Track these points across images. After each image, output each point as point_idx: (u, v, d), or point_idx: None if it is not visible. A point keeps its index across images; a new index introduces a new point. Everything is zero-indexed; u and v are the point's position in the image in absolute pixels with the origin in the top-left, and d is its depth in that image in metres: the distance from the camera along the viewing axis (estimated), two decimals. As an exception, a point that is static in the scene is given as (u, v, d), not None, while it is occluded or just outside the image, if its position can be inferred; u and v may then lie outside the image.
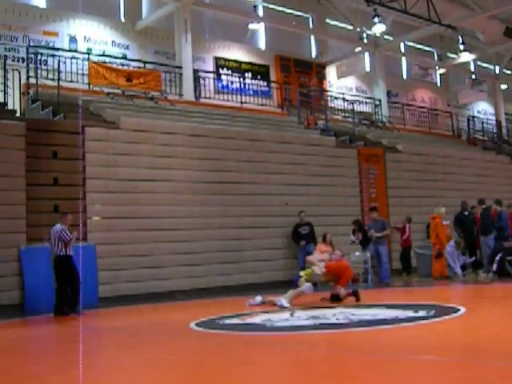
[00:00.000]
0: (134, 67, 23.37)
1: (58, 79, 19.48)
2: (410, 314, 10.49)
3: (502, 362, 6.30)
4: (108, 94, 21.59)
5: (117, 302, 14.78)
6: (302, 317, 10.90)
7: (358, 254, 19.33)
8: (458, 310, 10.63)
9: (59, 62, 20.27)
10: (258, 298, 13.63)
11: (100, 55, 23.43)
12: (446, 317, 9.91)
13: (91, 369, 7.14)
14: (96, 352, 8.90)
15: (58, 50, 22.06)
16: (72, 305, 13.64)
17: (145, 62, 23.82)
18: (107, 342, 10.14)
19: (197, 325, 10.56)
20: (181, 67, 23.93)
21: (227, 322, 10.99)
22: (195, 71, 24.66)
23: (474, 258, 20.34)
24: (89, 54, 22.80)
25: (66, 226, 14.04)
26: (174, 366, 7.23)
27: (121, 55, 24.18)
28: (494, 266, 18.19)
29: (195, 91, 24.36)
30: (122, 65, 23.27)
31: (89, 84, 21.47)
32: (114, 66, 22.76)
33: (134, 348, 9.01)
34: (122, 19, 25.15)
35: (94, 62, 22.06)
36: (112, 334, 10.97)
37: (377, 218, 19.52)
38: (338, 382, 5.97)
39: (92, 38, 23.99)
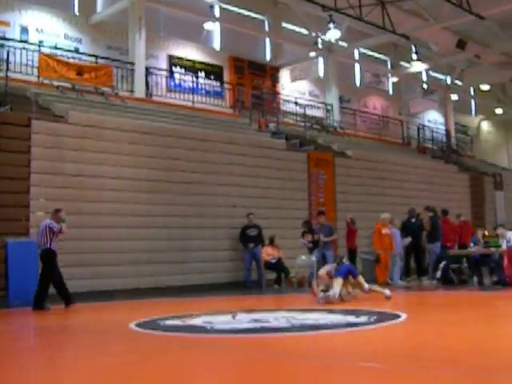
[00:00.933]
0: (85, 61, 23.16)
1: (7, 70, 19.16)
2: (352, 319, 10.47)
3: (439, 369, 6.28)
4: (57, 87, 21.31)
5: (58, 300, 14.53)
6: (243, 320, 10.80)
7: (303, 257, 19.29)
8: (399, 316, 10.65)
9: (8, 52, 19.95)
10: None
11: (52, 48, 23.03)
12: (387, 323, 9.91)
13: (21, 369, 7.00)
14: (28, 351, 8.68)
15: (8, 40, 21.69)
16: (66, 298, 14.28)
17: (97, 57, 23.59)
18: (41, 341, 9.93)
19: (137, 325, 10.39)
20: (133, 63, 23.73)
21: (168, 323, 10.85)
22: (148, 68, 24.47)
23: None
24: (40, 45, 22.46)
25: (56, 222, 14.20)
26: (109, 367, 7.10)
27: (73, 49, 23.82)
28: (438, 274, 18.39)
29: (147, 88, 24.17)
30: (74, 58, 23.01)
31: (38, 76, 21.18)
32: (66, 59, 22.50)
33: (69, 348, 8.85)
34: (76, 12, 24.80)
35: (45, 55, 21.80)
36: (47, 333, 10.75)
37: (324, 223, 19.51)
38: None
39: (44, 29, 23.54)
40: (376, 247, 19.52)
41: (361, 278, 13.83)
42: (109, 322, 11.76)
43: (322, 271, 14.07)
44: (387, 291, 13.80)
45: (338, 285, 13.30)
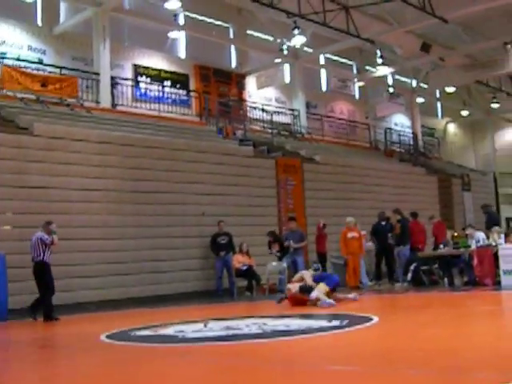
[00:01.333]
0: (49, 72, 22.96)
1: (-31, 83, 18.99)
2: (324, 323, 10.51)
3: (410, 370, 6.31)
4: (21, 99, 21.13)
5: (28, 313, 14.40)
6: (214, 328, 10.75)
7: (274, 263, 19.29)
8: (371, 319, 10.67)
9: (-30, 64, 19.78)
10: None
11: (15, 59, 22.76)
12: (359, 326, 9.91)
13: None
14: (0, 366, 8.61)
15: (-30, 52, 21.49)
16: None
17: (61, 68, 23.39)
18: (12, 355, 9.80)
19: (107, 337, 10.32)
20: (98, 74, 23.59)
21: (139, 333, 10.78)
22: (113, 78, 24.34)
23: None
24: (3, 57, 22.23)
25: (47, 234, 14.38)
26: (79, 379, 7.02)
27: (37, 60, 23.56)
28: (409, 276, 18.50)
29: (112, 99, 24.03)
30: (38, 70, 22.81)
31: (2, 88, 20.98)
32: (30, 70, 22.30)
33: (40, 361, 8.75)
34: (39, 23, 24.56)
35: (9, 66, 21.58)
36: (19, 346, 10.63)
37: (295, 229, 19.46)
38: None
39: (7, 41, 23.19)
40: (343, 252, 19.62)
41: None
42: (79, 334, 11.65)
43: (308, 276, 14.18)
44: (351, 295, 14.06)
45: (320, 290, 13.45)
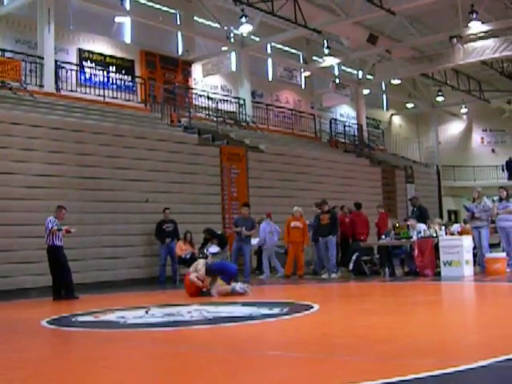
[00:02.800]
0: (-8, 55, 22.62)
1: None
2: (265, 311, 10.59)
3: (349, 356, 6.44)
4: (-37, 82, 20.79)
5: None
6: (156, 314, 10.80)
7: (215, 250, 19.22)
8: (312, 307, 10.80)
9: None
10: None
11: (-44, 42, 22.44)
12: (300, 314, 10.06)
13: None
14: None
15: None
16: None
17: (4, 51, 23.02)
18: None
19: (48, 322, 10.29)
20: (42, 58, 23.26)
21: (80, 319, 10.77)
22: (57, 62, 24.03)
23: None
24: None
25: (59, 219, 15.08)
26: (18, 364, 6.97)
27: (-21, 42, 23.25)
28: (351, 265, 18.70)
29: (56, 83, 23.73)
30: (-20, 52, 22.47)
31: None
32: (-29, 53, 21.95)
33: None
34: (-19, 4, 24.20)
35: (-51, 49, 21.21)
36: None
37: (246, 216, 19.26)
38: (184, 378, 5.92)
39: None
40: (284, 240, 19.74)
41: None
42: (19, 319, 11.56)
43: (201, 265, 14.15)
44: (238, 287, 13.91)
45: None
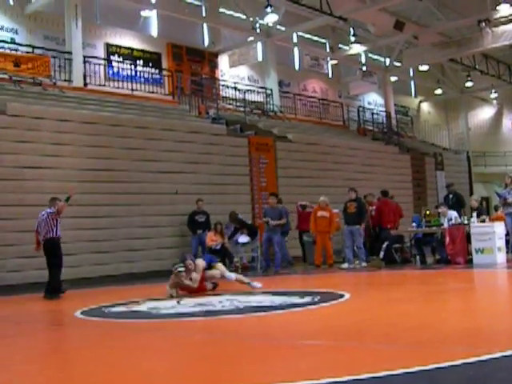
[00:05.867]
0: (22, 52, 22.79)
1: None
2: (296, 300, 10.62)
3: (381, 344, 6.46)
4: (-5, 79, 21.02)
5: (1, 291, 14.43)
6: (188, 304, 10.90)
7: (245, 240, 19.27)
8: (343, 296, 10.82)
9: None
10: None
11: (-13, 39, 22.65)
12: (331, 302, 10.08)
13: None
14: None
15: None
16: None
17: (33, 47, 23.21)
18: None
19: (82, 313, 10.42)
20: (70, 53, 23.44)
21: (114, 310, 10.89)
22: (85, 57, 24.19)
23: None
24: (-25, 38, 22.08)
25: (60, 212, 14.28)
26: (51, 354, 7.09)
27: (9, 40, 23.39)
28: (381, 254, 18.63)
29: (85, 78, 23.90)
30: (10, 49, 22.64)
31: (-26, 69, 20.85)
32: (2, 50, 22.12)
33: (15, 335, 8.83)
34: (11, 2, 24.30)
35: (-19, 47, 21.44)
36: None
37: (274, 206, 19.23)
38: (216, 366, 5.97)
39: (-22, 21, 23.14)
40: (312, 230, 19.67)
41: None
42: (54, 311, 11.74)
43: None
44: (255, 283, 13.17)
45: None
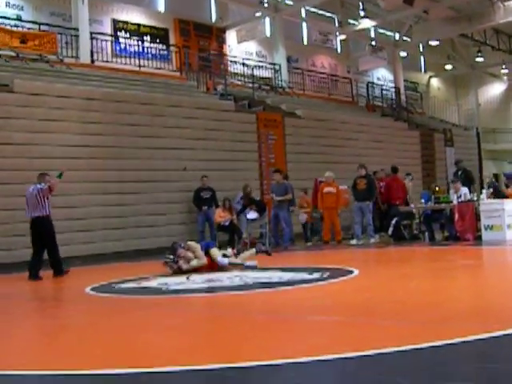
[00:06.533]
0: (28, 29, 22.69)
1: None
2: (305, 276, 10.62)
3: (390, 320, 6.44)
4: (1, 56, 20.90)
5: (12, 268, 14.47)
6: (197, 280, 10.95)
7: (254, 216, 19.21)
8: (352, 272, 10.80)
9: (-51, 22, 19.52)
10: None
11: (-7, 16, 22.54)
12: (340, 279, 10.09)
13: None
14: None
15: None
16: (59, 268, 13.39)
17: (40, 24, 23.12)
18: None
19: (92, 289, 10.47)
20: (77, 29, 23.34)
21: (123, 286, 10.93)
22: (92, 34, 24.08)
23: None
24: (-20, 14, 21.98)
25: (52, 190, 13.44)
26: (64, 330, 7.10)
27: (15, 16, 23.29)
28: (390, 230, 18.58)
29: (92, 54, 23.80)
30: (17, 26, 22.55)
31: (-19, 45, 20.77)
32: (8, 27, 22.02)
33: (27, 312, 8.93)
34: (16, -21, 24.25)
35: (-13, 23, 21.35)
36: (5, 299, 10.71)
37: (280, 181, 19.20)
38: (226, 341, 5.97)
39: (-16, -2, 23.01)
40: (319, 206, 19.60)
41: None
42: (65, 287, 11.79)
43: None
44: (250, 262, 12.93)
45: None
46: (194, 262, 12.45)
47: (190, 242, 13.06)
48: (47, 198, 13.31)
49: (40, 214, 13.19)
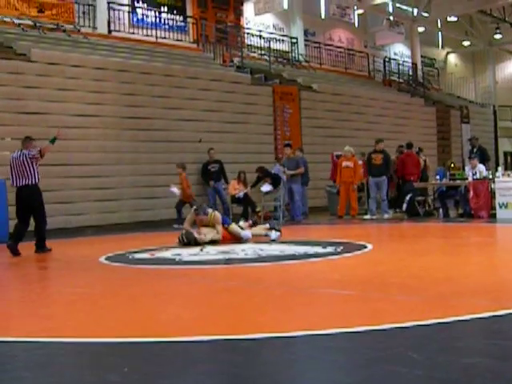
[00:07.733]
0: (45, -2, 22.71)
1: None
2: (318, 250, 10.63)
3: (404, 295, 6.46)
4: (19, 25, 20.92)
5: (27, 237, 14.52)
6: (211, 252, 10.99)
7: (268, 189, 19.19)
8: (366, 246, 10.84)
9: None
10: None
11: (11, -16, 22.51)
12: (354, 253, 10.11)
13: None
14: (1, 285, 8.77)
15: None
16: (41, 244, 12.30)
17: (57, -7, 23.12)
18: (14, 274, 10.07)
19: (106, 259, 10.56)
20: (95, -1, 23.33)
21: (137, 256, 10.98)
22: (109, 4, 24.02)
23: None
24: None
25: (42, 155, 12.20)
26: (81, 297, 7.16)
27: (32, -15, 23.30)
28: (404, 206, 18.57)
29: (109, 25, 23.77)
30: (34, -5, 22.56)
31: (-2, 14, 20.78)
32: (25, -4, 22.06)
33: (41, 281, 9.04)
34: None
35: (5, -8, 21.34)
36: (20, 267, 10.88)
37: (291, 156, 19.26)
38: (239, 312, 6.04)
39: (2, -34, 22.94)
40: (337, 181, 19.59)
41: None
42: (79, 256, 11.81)
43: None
44: (272, 233, 12.97)
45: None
46: (210, 236, 12.49)
47: (217, 213, 13.11)
48: (36, 164, 12.11)
49: (28, 181, 12.00)
